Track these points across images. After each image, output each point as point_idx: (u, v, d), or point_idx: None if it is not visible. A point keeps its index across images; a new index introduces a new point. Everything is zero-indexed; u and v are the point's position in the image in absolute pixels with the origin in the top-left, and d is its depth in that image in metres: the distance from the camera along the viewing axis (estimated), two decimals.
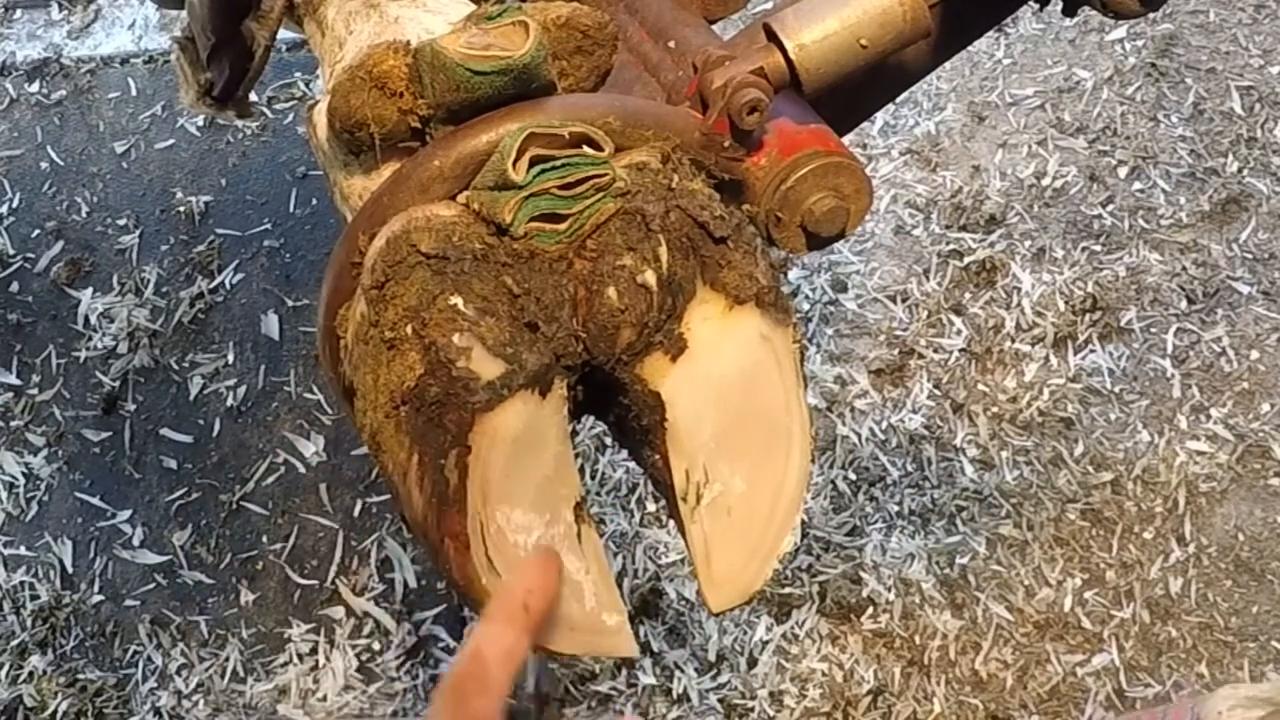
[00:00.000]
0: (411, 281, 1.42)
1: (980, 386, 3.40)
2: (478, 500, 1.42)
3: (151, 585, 3.46)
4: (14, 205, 4.06)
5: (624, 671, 3.16)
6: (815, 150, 1.67)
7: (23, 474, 3.63)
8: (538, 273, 1.44)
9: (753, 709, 3.12)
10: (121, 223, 3.97)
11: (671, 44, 1.85)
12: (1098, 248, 3.55)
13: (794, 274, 3.59)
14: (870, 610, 3.18)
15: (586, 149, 1.47)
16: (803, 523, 3.22)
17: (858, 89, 1.81)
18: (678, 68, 1.81)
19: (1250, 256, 3.51)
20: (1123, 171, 3.67)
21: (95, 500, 3.58)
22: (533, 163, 1.44)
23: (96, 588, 3.47)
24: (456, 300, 1.41)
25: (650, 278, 1.45)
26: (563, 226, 1.44)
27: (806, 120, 1.70)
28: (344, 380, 1.55)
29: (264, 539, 3.47)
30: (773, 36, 1.66)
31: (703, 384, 1.49)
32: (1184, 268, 3.50)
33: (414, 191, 1.49)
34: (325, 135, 1.63)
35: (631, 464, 3.07)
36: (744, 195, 1.66)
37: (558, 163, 1.44)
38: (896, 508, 3.29)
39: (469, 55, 1.49)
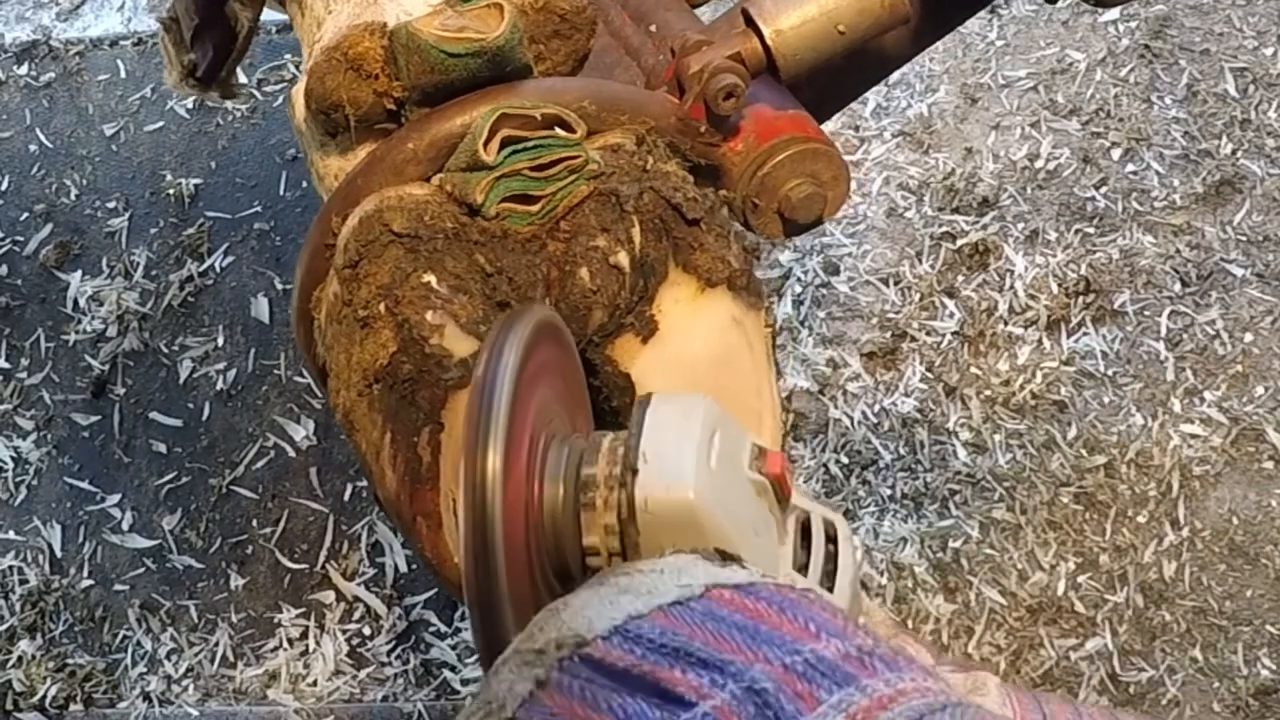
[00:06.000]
0: (384, 260, 1.43)
1: (973, 369, 3.39)
2: (450, 478, 1.42)
3: (141, 569, 3.46)
4: (2, 188, 4.05)
5: None
6: (792, 136, 1.67)
7: (11, 458, 3.63)
8: (510, 252, 1.44)
9: None
10: (111, 205, 3.96)
11: (653, 28, 1.85)
12: (1091, 230, 3.53)
13: (786, 256, 3.58)
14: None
15: (559, 131, 1.46)
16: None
17: (837, 75, 1.80)
18: (658, 52, 1.80)
19: (1244, 239, 3.50)
20: (1116, 153, 3.65)
21: (84, 484, 3.57)
22: (504, 144, 1.44)
23: (85, 572, 3.47)
24: (429, 278, 1.41)
25: (623, 259, 1.45)
26: (535, 208, 1.44)
27: (784, 106, 1.70)
28: (318, 362, 1.55)
29: (254, 523, 3.47)
30: (750, 22, 1.66)
31: (673, 366, 1.49)
32: (1178, 250, 3.49)
33: (388, 173, 1.49)
34: (303, 116, 1.63)
35: None
36: (721, 181, 1.65)
37: (530, 144, 1.44)
38: (889, 491, 3.28)
39: (443, 37, 1.49)
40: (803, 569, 1.33)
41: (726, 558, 1.16)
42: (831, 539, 1.38)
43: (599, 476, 1.22)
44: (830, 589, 1.33)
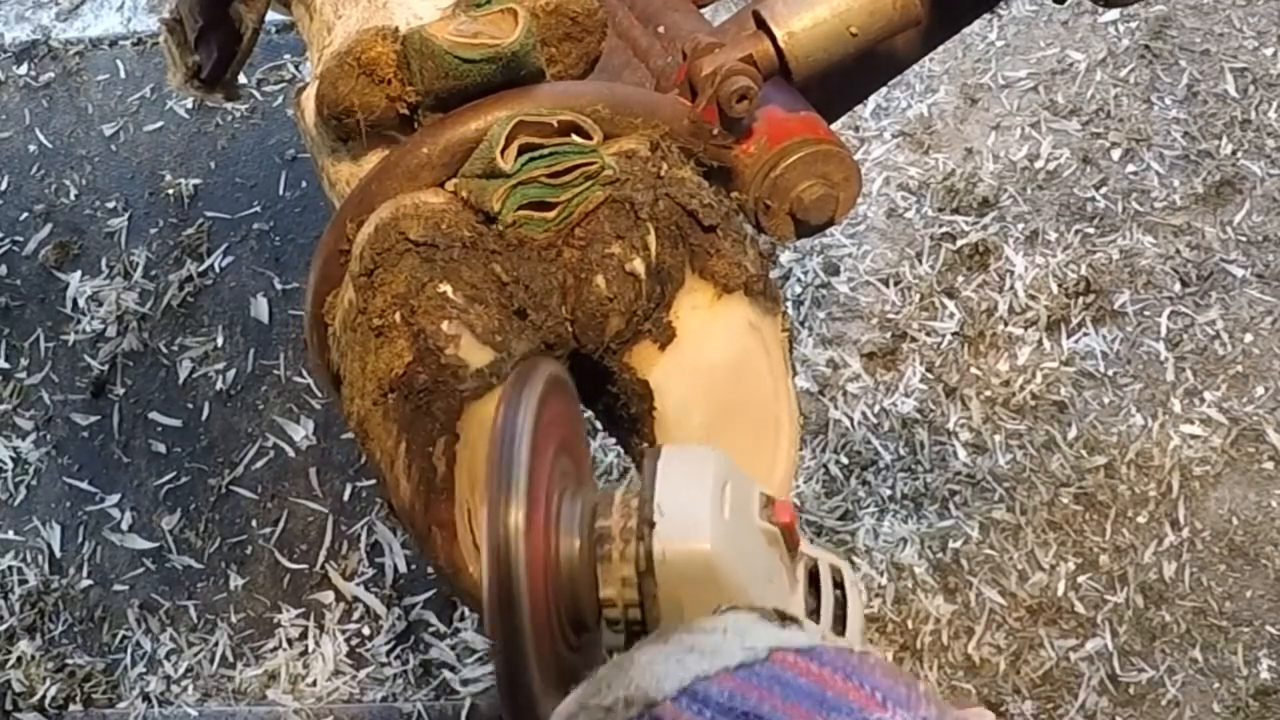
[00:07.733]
0: (400, 269, 1.42)
1: (973, 370, 3.39)
2: (465, 488, 1.42)
3: (140, 570, 3.45)
4: (2, 188, 4.04)
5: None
6: (804, 138, 1.67)
7: (11, 458, 3.62)
8: (526, 261, 1.44)
9: None
10: (110, 205, 3.95)
11: (661, 29, 1.84)
12: (1091, 230, 3.53)
13: (786, 257, 3.57)
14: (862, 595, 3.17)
15: (575, 137, 1.46)
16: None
17: (847, 76, 1.80)
18: (667, 53, 1.80)
19: (1244, 239, 3.50)
20: (1116, 154, 3.65)
21: (84, 484, 3.57)
22: (521, 151, 1.43)
23: (85, 572, 3.47)
24: (445, 288, 1.41)
25: (639, 266, 1.44)
26: (551, 215, 1.43)
27: (796, 108, 1.70)
28: (331, 368, 1.54)
29: (253, 523, 3.46)
30: (762, 24, 1.66)
31: (691, 373, 1.49)
32: (1178, 250, 3.49)
33: (402, 179, 1.49)
34: (313, 121, 1.62)
35: None
36: (733, 183, 1.65)
37: (546, 151, 1.44)
38: (889, 492, 3.28)
39: (457, 43, 1.49)
40: (813, 614, 1.34)
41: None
42: (839, 584, 1.39)
43: (614, 529, 1.23)
44: (842, 634, 1.34)
